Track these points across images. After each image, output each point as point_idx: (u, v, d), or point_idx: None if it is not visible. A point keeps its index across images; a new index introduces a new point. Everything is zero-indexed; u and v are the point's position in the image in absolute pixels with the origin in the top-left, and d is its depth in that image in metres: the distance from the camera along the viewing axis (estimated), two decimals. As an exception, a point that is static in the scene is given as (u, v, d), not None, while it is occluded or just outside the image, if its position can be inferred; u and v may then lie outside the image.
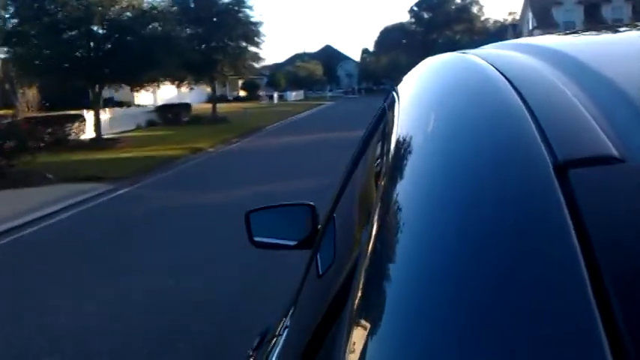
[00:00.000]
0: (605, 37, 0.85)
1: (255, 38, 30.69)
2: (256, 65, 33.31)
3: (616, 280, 0.30)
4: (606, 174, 0.38)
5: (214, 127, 24.12)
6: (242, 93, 66.33)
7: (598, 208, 0.35)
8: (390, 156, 0.65)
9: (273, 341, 1.25)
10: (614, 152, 0.39)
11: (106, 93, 22.97)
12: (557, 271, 0.32)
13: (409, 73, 1.03)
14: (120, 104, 29.95)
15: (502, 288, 0.34)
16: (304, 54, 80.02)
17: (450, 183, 0.48)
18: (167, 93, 60.97)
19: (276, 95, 55.01)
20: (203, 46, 28.54)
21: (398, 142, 0.66)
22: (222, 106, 40.78)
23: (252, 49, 31.15)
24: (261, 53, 39.60)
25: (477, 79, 0.66)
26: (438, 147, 0.56)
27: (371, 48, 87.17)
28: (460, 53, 0.85)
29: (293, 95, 63.25)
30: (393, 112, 0.84)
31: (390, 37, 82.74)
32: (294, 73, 64.78)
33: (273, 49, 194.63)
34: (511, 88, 0.54)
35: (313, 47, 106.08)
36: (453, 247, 0.40)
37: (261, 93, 65.16)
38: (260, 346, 1.47)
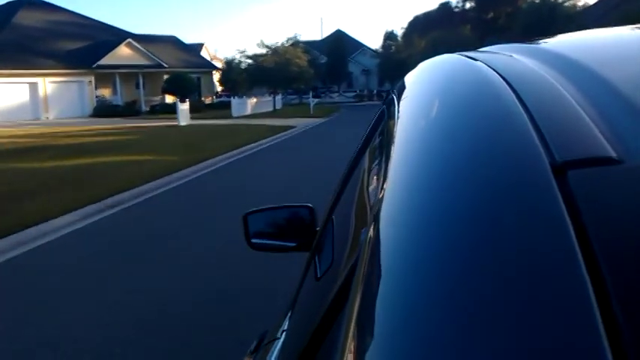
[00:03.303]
0: (603, 39, 0.85)
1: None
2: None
3: (615, 280, 0.30)
4: (604, 175, 0.38)
5: None
6: (170, 99, 37.51)
7: (596, 208, 0.35)
8: (389, 158, 0.65)
9: (271, 344, 1.26)
10: (612, 153, 0.39)
11: None
12: (556, 271, 0.32)
13: (408, 75, 1.03)
14: None
15: (501, 288, 0.33)
16: (297, 41, 47.64)
17: (449, 184, 0.48)
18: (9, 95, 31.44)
19: (182, 108, 25.44)
20: None
21: (396, 143, 0.67)
22: None
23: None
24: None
25: (475, 81, 0.67)
26: (437, 149, 0.56)
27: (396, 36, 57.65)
28: (459, 54, 0.86)
29: (249, 104, 34.05)
30: (391, 114, 0.86)
31: (427, 19, 53.53)
32: (257, 66, 34.89)
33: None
34: (509, 89, 0.55)
35: (319, 36, 77.95)
36: (452, 249, 0.40)
37: (207, 98, 36.39)
38: (258, 349, 1.45)
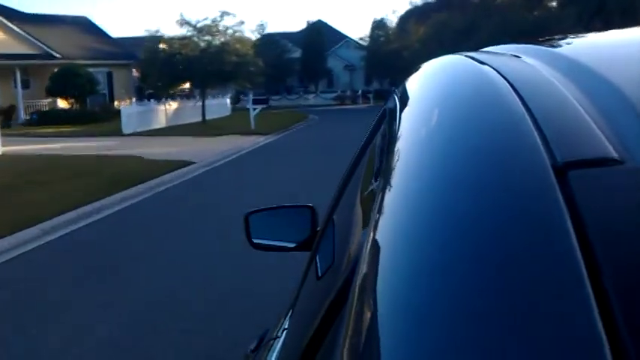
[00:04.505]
0: (605, 40, 0.86)
1: None
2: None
3: (615, 280, 0.30)
4: (605, 175, 0.38)
5: None
6: (62, 104, 26.31)
7: (597, 209, 0.35)
8: (390, 158, 0.66)
9: (272, 343, 1.27)
10: (614, 153, 0.39)
11: None
12: (557, 271, 0.32)
13: (410, 77, 1.04)
14: None
15: (502, 289, 0.34)
16: (264, 34, 37.14)
17: (450, 185, 0.48)
18: None
19: None
20: None
21: (398, 144, 0.68)
22: None
23: None
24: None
25: (477, 82, 0.68)
26: (439, 150, 0.56)
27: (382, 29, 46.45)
28: (461, 55, 0.87)
29: (163, 113, 22.61)
30: (393, 115, 0.88)
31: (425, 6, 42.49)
32: (172, 54, 22.82)
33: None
34: (511, 90, 0.55)
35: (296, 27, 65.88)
36: (453, 249, 0.40)
37: (123, 101, 25.39)
38: (258, 348, 1.46)
